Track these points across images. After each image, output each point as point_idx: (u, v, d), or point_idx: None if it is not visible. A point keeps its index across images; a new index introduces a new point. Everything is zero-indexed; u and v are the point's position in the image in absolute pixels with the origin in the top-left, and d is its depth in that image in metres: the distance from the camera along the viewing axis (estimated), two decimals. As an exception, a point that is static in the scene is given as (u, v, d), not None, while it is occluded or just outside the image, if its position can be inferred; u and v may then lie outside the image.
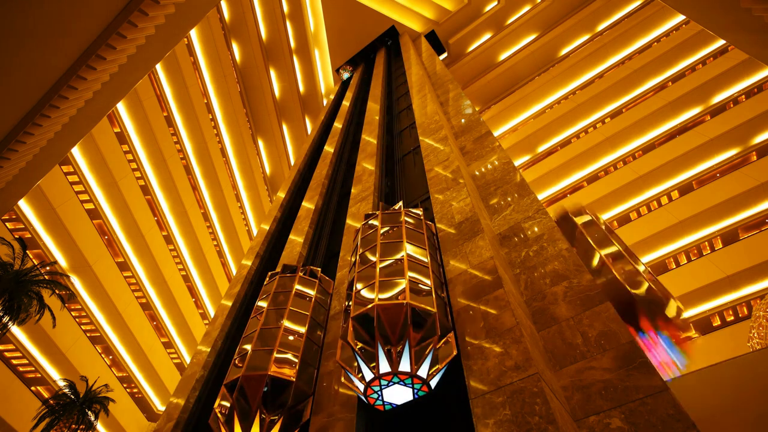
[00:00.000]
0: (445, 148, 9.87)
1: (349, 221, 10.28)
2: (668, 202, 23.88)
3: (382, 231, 6.68)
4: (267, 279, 8.33)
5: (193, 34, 32.26)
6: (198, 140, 35.42)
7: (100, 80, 11.69)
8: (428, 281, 5.54)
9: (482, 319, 5.03)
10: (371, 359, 4.93)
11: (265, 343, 6.42)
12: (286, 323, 6.77)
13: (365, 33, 33.22)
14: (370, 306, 5.20)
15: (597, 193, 26.32)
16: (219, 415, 5.96)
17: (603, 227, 10.07)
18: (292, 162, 40.43)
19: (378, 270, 5.79)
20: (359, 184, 11.85)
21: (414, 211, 7.21)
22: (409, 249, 6.08)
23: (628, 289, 8.47)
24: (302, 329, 6.82)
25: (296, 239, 12.03)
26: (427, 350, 4.82)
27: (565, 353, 4.67)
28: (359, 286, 5.76)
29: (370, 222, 7.27)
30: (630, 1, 30.55)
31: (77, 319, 28.75)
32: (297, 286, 7.59)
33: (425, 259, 6.02)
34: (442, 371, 4.87)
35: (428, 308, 5.05)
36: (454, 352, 4.90)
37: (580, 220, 9.63)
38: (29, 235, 25.34)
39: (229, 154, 39.76)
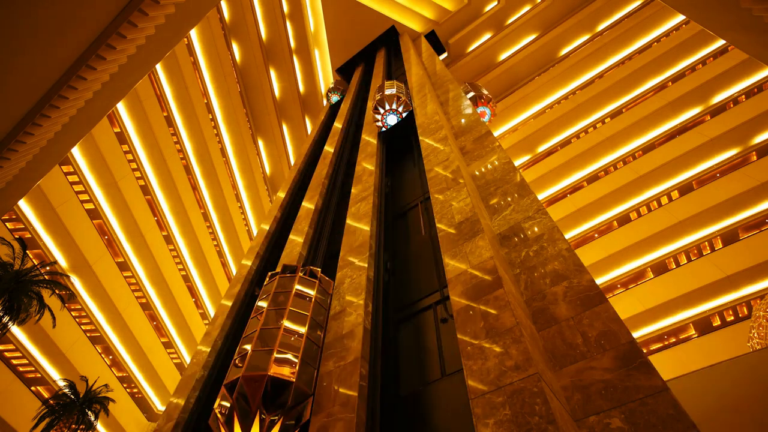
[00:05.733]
0: (445, 148, 9.87)
1: (349, 221, 10.28)
2: (668, 202, 23.88)
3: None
4: (267, 279, 8.34)
5: (193, 34, 32.26)
6: (198, 140, 35.41)
7: (100, 80, 11.69)
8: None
9: (482, 319, 5.04)
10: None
11: (265, 344, 6.53)
12: (286, 323, 6.81)
13: (365, 33, 33.20)
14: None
15: (597, 193, 26.32)
16: (219, 415, 6.03)
17: None
18: (292, 162, 40.42)
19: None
20: (359, 183, 11.85)
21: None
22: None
23: None
24: (302, 329, 6.85)
25: (296, 239, 12.03)
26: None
27: (565, 353, 4.67)
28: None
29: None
30: (630, 1, 30.53)
31: (77, 319, 28.75)
32: (297, 287, 7.62)
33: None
34: None
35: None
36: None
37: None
38: (29, 235, 25.34)
39: (229, 154, 39.76)
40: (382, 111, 13.90)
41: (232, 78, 36.39)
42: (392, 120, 14.01)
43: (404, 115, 14.03)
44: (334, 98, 27.99)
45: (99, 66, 11.00)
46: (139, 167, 31.17)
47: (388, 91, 14.25)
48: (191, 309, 37.78)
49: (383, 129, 14.25)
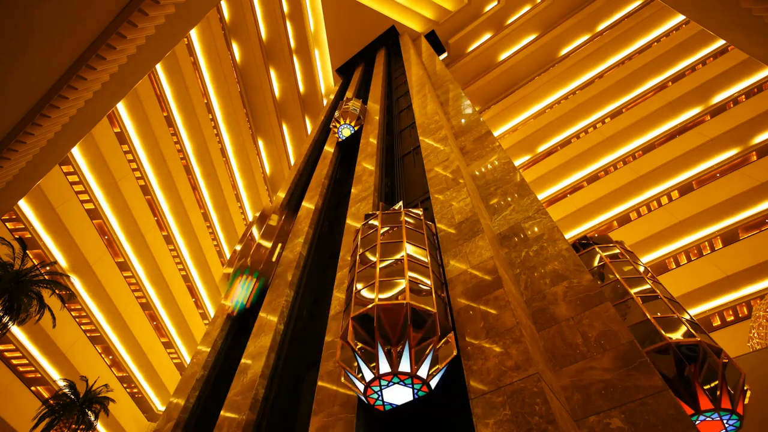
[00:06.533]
0: (445, 148, 9.87)
1: (349, 221, 10.28)
2: (668, 202, 23.89)
3: (382, 231, 6.53)
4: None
5: (193, 34, 32.25)
6: (198, 140, 35.42)
7: (100, 80, 11.69)
8: (428, 281, 5.44)
9: (482, 319, 5.04)
10: (371, 359, 4.82)
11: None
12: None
13: (365, 33, 33.22)
14: (370, 306, 5.07)
15: (597, 193, 26.33)
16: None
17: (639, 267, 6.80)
18: (292, 162, 40.42)
19: (378, 270, 5.64)
20: (359, 183, 11.85)
21: (414, 211, 7.11)
22: (410, 249, 5.95)
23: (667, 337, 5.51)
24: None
25: (296, 239, 12.04)
26: (427, 350, 4.73)
27: (565, 353, 4.67)
28: (359, 286, 5.59)
29: (370, 222, 7.11)
30: (630, 1, 30.55)
31: (77, 319, 28.75)
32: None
33: (425, 259, 5.92)
34: (442, 371, 4.82)
35: (428, 308, 4.94)
36: (454, 353, 4.85)
37: (606, 252, 7.38)
38: (29, 235, 25.34)
39: (229, 154, 39.77)
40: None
41: (232, 78, 36.39)
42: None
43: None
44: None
45: (99, 66, 10.99)
46: (139, 167, 31.17)
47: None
48: (191, 309, 37.78)
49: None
